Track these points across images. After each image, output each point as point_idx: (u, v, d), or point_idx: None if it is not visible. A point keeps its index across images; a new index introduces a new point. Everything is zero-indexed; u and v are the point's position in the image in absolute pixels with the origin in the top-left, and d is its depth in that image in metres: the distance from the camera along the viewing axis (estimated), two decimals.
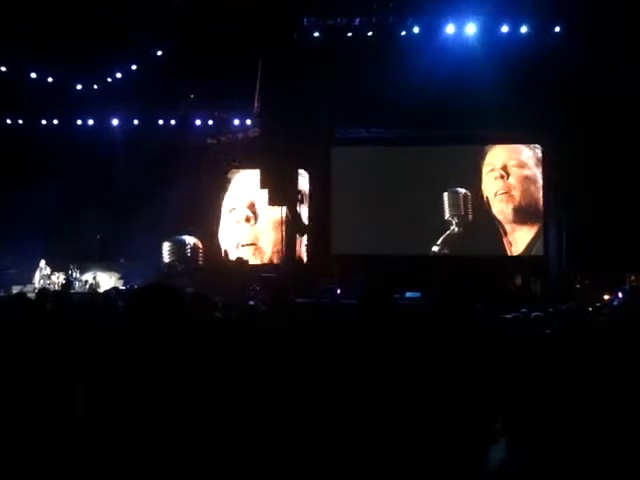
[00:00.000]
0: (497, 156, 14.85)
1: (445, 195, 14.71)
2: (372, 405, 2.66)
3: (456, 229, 14.67)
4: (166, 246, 15.51)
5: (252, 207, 15.84)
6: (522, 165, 14.80)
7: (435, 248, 14.72)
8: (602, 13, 11.98)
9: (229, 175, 16.09)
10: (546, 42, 12.95)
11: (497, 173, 14.74)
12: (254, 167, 15.35)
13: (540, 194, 14.62)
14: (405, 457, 2.59)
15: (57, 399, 2.33)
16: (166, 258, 15.48)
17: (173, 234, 15.58)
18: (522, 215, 14.65)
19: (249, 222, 15.89)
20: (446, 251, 14.65)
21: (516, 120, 13.35)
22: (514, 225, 14.68)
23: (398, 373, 2.88)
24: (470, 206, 14.69)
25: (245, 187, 15.93)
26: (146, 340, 1.99)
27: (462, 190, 14.73)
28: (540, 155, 14.74)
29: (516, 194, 14.69)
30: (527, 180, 14.74)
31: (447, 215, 14.71)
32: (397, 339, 3.04)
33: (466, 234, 14.62)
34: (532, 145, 14.85)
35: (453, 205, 14.68)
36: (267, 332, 3.41)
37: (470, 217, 14.69)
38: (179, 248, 15.53)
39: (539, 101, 12.90)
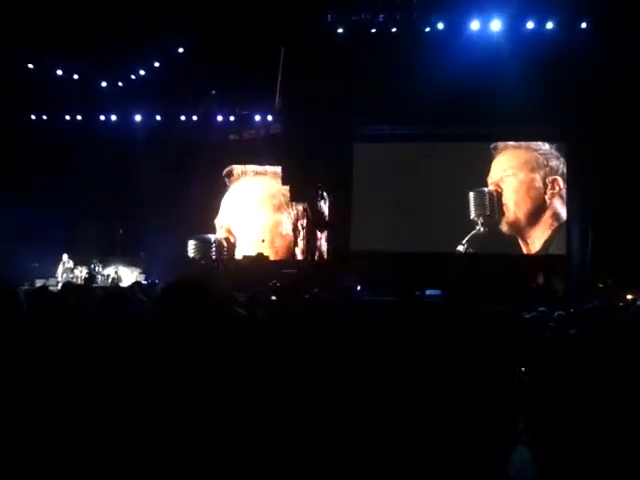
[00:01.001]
0: (496, 167, 14.74)
1: (471, 195, 14.57)
2: (393, 406, 2.64)
3: (482, 229, 14.54)
4: (191, 243, 15.62)
5: (229, 231, 16.09)
6: (516, 173, 14.66)
7: (460, 247, 14.58)
8: (629, 9, 11.79)
9: (227, 183, 16.14)
10: (572, 38, 12.75)
11: (493, 187, 14.66)
12: (276, 164, 15.43)
13: (540, 194, 14.48)
14: (424, 458, 2.57)
15: (78, 394, 2.34)
16: (191, 254, 15.60)
17: (194, 230, 15.69)
18: (520, 224, 14.55)
19: (229, 241, 16.13)
20: (471, 250, 14.51)
21: (541, 118, 13.23)
22: (518, 232, 14.61)
23: (418, 374, 2.86)
24: (496, 205, 14.58)
25: (234, 203, 16.21)
26: (176, 336, 1.97)
27: (487, 189, 14.62)
28: (541, 160, 14.57)
29: (510, 205, 14.60)
30: (522, 186, 14.61)
31: (473, 215, 14.58)
32: (420, 339, 3.02)
33: (491, 233, 14.52)
34: (535, 145, 14.66)
35: (479, 205, 14.56)
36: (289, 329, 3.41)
37: (496, 217, 14.59)
38: (204, 246, 15.64)
39: (564, 99, 12.73)
